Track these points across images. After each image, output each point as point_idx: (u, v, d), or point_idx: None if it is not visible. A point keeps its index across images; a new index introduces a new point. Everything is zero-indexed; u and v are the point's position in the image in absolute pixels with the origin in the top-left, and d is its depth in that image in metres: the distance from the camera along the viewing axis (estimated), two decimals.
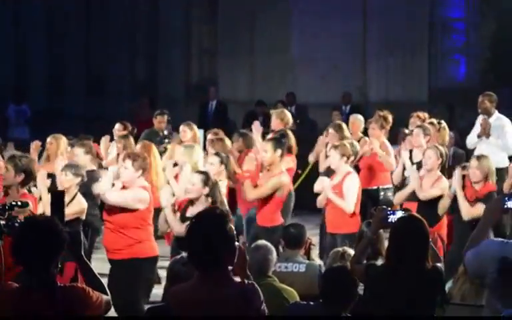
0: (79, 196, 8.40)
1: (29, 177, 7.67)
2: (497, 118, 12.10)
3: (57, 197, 5.08)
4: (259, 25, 19.21)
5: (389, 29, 18.82)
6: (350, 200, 9.13)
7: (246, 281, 4.52)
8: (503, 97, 12.51)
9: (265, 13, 18.98)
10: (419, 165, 9.89)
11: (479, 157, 9.07)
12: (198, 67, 21.75)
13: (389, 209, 5.31)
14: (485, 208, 5.34)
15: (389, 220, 5.17)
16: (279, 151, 9.23)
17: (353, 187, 9.22)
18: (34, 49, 22.96)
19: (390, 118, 11.49)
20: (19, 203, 5.57)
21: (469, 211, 8.69)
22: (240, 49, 19.60)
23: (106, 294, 4.49)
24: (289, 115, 11.84)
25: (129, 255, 8.07)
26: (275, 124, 11.50)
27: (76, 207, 8.27)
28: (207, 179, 8.21)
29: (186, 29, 21.44)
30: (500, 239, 5.09)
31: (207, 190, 8.15)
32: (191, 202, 8.27)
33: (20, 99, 19.78)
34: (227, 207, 8.32)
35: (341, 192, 9.21)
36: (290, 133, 10.95)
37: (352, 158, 9.50)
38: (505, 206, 4.95)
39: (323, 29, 18.44)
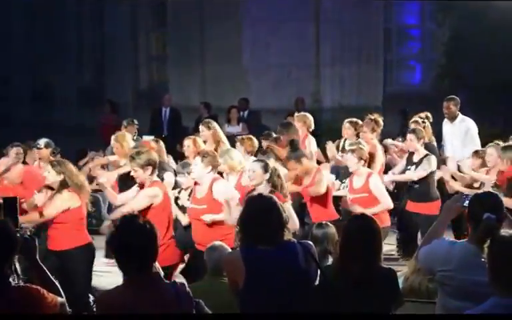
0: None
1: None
2: (462, 120, 12.54)
3: (10, 202, 5.30)
4: (209, 31, 19.15)
5: (344, 35, 18.86)
6: (384, 197, 9.64)
7: (177, 282, 4.73)
8: None
9: (215, 20, 18.89)
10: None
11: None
12: (147, 75, 21.88)
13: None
14: (444, 206, 5.33)
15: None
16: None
17: (380, 184, 9.81)
18: None
19: (381, 121, 11.85)
20: None
21: None
22: (190, 55, 19.55)
23: (61, 296, 4.60)
24: (310, 118, 12.29)
25: None
26: (298, 127, 11.88)
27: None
28: (266, 165, 8.64)
29: (133, 37, 21.55)
30: (450, 239, 5.18)
31: (267, 175, 8.53)
32: (253, 189, 8.63)
33: None
34: (287, 191, 8.76)
35: (368, 191, 9.64)
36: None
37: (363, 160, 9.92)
38: (464, 205, 5.03)
39: (276, 36, 18.41)
